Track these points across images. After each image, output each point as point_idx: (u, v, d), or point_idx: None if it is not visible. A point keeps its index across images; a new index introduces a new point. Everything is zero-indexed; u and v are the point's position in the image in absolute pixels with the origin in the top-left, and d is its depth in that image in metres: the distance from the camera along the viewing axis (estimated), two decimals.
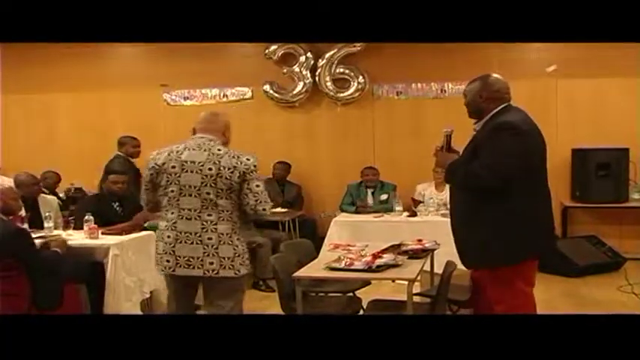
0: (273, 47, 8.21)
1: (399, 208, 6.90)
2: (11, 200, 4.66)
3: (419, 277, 4.08)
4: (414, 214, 6.74)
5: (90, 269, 4.87)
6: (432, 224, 6.24)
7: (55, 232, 5.34)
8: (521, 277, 3.49)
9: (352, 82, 8.18)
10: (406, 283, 3.73)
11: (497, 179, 3.34)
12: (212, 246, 3.52)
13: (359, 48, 8.07)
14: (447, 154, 3.69)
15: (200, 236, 3.53)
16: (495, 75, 3.64)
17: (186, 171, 3.54)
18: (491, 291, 3.53)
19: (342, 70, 8.18)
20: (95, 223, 5.13)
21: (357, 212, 7.13)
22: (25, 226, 5.41)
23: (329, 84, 8.20)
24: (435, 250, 4.41)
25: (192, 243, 3.53)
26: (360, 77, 8.14)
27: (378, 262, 3.90)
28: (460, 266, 3.84)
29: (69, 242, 4.93)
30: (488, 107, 3.55)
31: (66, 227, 5.60)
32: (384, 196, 7.34)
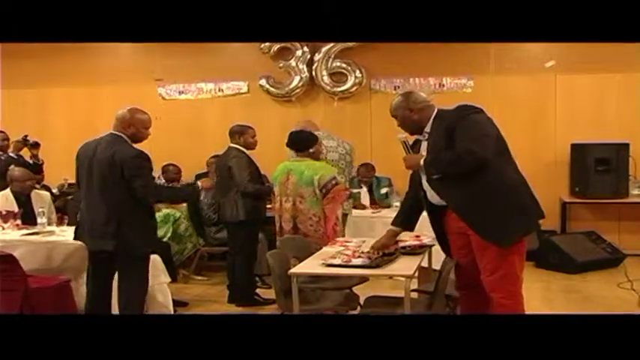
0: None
1: (396, 203, 6.84)
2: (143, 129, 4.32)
3: (417, 274, 4.03)
4: None
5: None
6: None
7: (49, 228, 5.27)
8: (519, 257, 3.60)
9: (349, 77, 8.11)
10: (404, 279, 3.68)
11: (487, 151, 3.43)
12: None
13: (356, 42, 8.00)
14: (414, 155, 3.80)
15: None
16: (413, 90, 3.91)
17: None
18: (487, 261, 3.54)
19: (338, 64, 8.11)
20: None
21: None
22: (18, 222, 5.34)
23: (325, 78, 8.14)
24: (432, 245, 4.35)
25: None
26: (357, 71, 8.08)
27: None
28: None
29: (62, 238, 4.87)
30: (422, 117, 3.71)
31: (60, 223, 5.53)
32: (384, 190, 7.32)
